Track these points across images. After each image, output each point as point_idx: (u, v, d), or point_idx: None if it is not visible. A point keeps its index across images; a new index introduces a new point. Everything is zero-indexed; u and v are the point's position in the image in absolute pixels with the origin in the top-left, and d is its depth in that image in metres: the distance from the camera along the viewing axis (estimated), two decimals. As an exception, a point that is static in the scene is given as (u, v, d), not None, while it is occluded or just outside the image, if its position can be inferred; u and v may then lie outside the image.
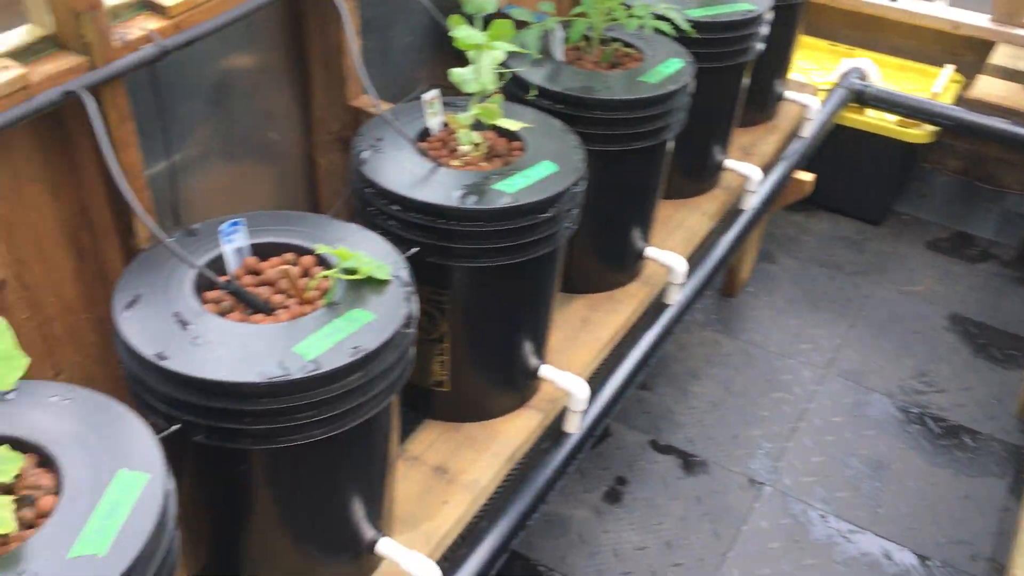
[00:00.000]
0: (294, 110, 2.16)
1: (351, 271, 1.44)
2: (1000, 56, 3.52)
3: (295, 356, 1.32)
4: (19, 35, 1.48)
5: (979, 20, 3.65)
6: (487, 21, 1.84)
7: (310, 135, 2.21)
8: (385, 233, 1.64)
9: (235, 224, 1.49)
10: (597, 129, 2.01)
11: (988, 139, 3.48)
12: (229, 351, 1.32)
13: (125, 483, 1.13)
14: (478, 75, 1.77)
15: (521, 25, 2.11)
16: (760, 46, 2.52)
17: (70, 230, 1.69)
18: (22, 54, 1.47)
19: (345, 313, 1.40)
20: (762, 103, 2.94)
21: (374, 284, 1.46)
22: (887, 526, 2.55)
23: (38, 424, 1.19)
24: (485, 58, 1.77)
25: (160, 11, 1.61)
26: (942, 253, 3.58)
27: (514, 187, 1.69)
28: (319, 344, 1.34)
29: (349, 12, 1.98)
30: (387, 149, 1.78)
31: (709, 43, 2.32)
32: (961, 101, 3.48)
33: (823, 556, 2.47)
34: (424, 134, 1.86)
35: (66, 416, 1.21)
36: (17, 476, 1.11)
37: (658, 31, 2.11)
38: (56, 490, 1.13)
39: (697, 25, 2.26)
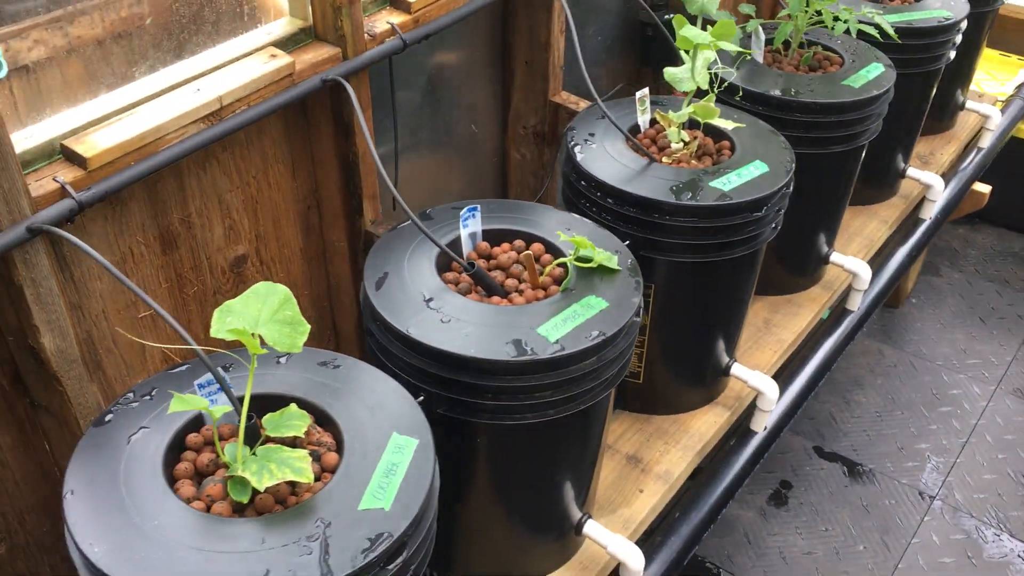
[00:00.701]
0: (492, 104, 2.24)
1: (585, 259, 1.50)
2: None
3: (539, 337, 1.38)
4: (281, 26, 1.59)
5: None
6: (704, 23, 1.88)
7: (506, 128, 2.29)
8: (599, 224, 1.68)
9: (472, 209, 1.57)
10: (796, 131, 2.02)
11: None
12: (475, 329, 1.39)
13: (398, 446, 1.21)
14: (693, 74, 1.81)
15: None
16: (952, 54, 2.48)
17: (302, 210, 1.81)
18: (283, 44, 1.58)
19: (581, 299, 1.45)
20: (942, 112, 2.89)
21: (605, 273, 1.51)
22: (1065, 550, 2.48)
23: (313, 386, 1.28)
24: (700, 58, 1.80)
25: (403, 6, 1.70)
26: (1118, 273, 3.44)
27: (729, 185, 1.72)
28: (561, 327, 1.40)
29: (558, 12, 2.05)
30: (600, 143, 1.83)
31: (904, 49, 2.30)
32: None
33: (999, 575, 2.41)
34: (633, 131, 1.90)
35: (338, 380, 1.29)
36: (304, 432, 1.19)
37: (862, 35, 2.11)
38: (336, 448, 1.22)
39: (898, 31, 2.23)
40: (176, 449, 1.21)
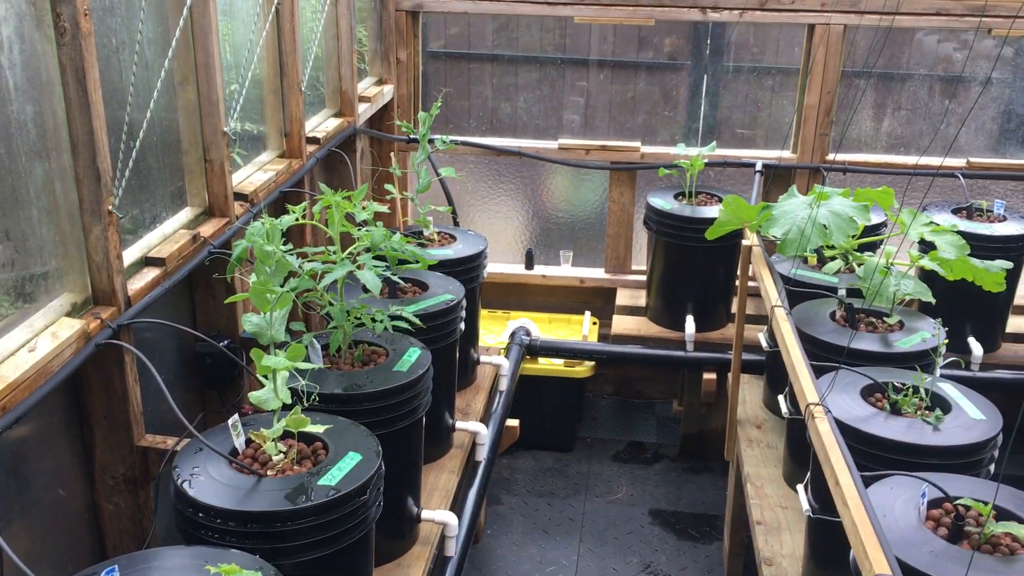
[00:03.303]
0: (75, 463, 2.25)
1: (235, 585, 1.62)
2: (621, 298, 4.43)
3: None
4: None
5: (598, 274, 4.58)
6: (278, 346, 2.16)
7: (93, 483, 2.30)
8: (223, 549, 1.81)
9: (111, 571, 1.61)
10: (368, 419, 2.35)
11: (632, 362, 4.30)
12: None
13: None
14: (276, 393, 2.06)
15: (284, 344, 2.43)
16: (463, 325, 3.05)
17: None
18: None
19: (242, 622, 1.56)
20: (465, 369, 3.46)
21: (256, 592, 1.64)
22: None
23: None
24: (279, 378, 2.07)
25: (-12, 397, 1.74)
26: (625, 462, 4.25)
27: (335, 479, 1.97)
28: (233, 654, 1.49)
29: (129, 365, 2.20)
30: (206, 473, 1.97)
31: (430, 330, 2.80)
32: (606, 337, 4.28)
33: None
34: (232, 454, 2.07)
35: None
36: None
37: (396, 328, 2.55)
38: None
39: (418, 318, 2.72)
40: None
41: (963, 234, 2.98)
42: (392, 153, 3.87)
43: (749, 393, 3.58)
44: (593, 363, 4.20)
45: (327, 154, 3.48)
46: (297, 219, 2.41)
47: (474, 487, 3.02)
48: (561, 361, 4.17)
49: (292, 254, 2.47)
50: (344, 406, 2.34)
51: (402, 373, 2.45)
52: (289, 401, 2.08)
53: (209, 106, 2.54)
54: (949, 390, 2.42)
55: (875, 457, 2.21)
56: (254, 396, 2.07)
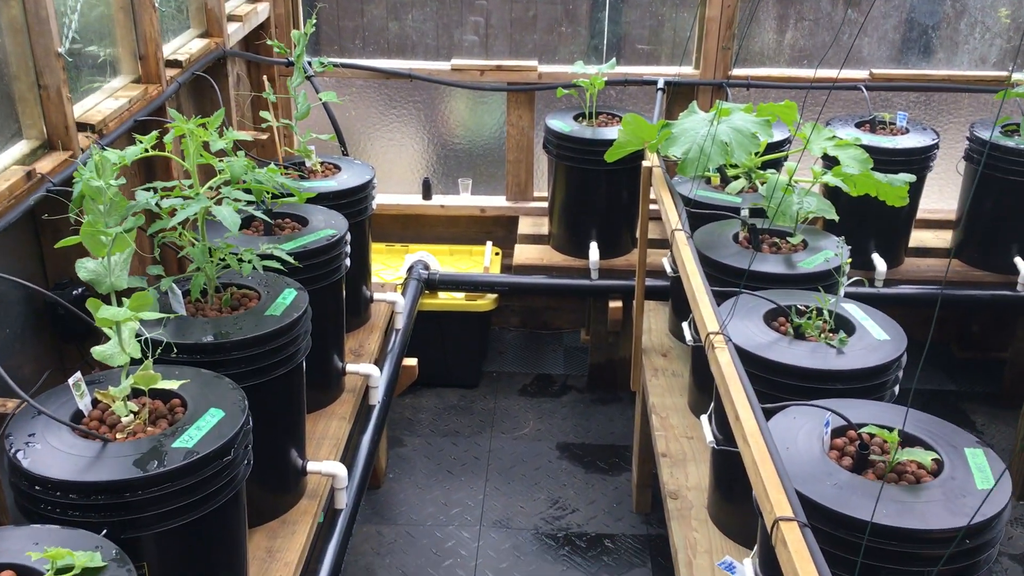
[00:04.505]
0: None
1: (66, 569, 1.42)
2: (524, 226, 4.25)
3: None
4: None
5: (499, 202, 4.39)
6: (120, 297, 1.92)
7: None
8: (66, 525, 1.61)
9: (-85, 563, 1.39)
10: (238, 368, 2.14)
11: (537, 293, 4.16)
12: None
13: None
14: (123, 347, 1.83)
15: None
16: (348, 261, 2.84)
17: None
18: None
19: (75, 611, 1.37)
20: (357, 309, 3.26)
21: (93, 574, 1.44)
22: (578, 641, 2.85)
23: None
24: (125, 330, 1.84)
25: None
26: (532, 396, 4.13)
27: (193, 440, 1.77)
28: (60, 651, 1.30)
29: (-46, 319, 1.94)
30: (44, 441, 1.75)
31: (309, 268, 2.58)
32: (510, 268, 4.11)
33: None
34: (77, 417, 1.85)
35: None
36: None
37: (268, 269, 2.32)
38: None
39: (295, 256, 2.50)
40: None
41: (866, 147, 2.87)
42: (266, 78, 3.58)
43: (654, 320, 3.47)
44: (496, 295, 4.04)
45: (193, 79, 3.17)
46: (146, 150, 2.15)
47: (368, 433, 2.85)
48: (463, 295, 4.00)
49: (147, 190, 2.22)
50: (211, 356, 2.12)
51: (275, 317, 2.24)
52: (138, 355, 1.86)
53: (39, 24, 2.23)
54: (853, 311, 2.33)
55: (779, 384, 2.10)
56: (97, 351, 1.84)
